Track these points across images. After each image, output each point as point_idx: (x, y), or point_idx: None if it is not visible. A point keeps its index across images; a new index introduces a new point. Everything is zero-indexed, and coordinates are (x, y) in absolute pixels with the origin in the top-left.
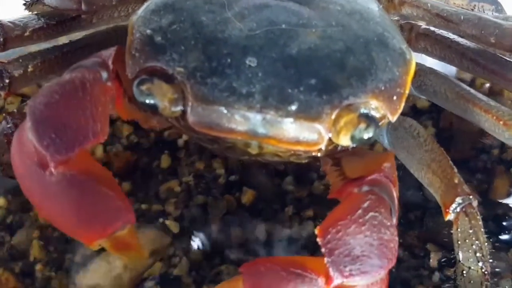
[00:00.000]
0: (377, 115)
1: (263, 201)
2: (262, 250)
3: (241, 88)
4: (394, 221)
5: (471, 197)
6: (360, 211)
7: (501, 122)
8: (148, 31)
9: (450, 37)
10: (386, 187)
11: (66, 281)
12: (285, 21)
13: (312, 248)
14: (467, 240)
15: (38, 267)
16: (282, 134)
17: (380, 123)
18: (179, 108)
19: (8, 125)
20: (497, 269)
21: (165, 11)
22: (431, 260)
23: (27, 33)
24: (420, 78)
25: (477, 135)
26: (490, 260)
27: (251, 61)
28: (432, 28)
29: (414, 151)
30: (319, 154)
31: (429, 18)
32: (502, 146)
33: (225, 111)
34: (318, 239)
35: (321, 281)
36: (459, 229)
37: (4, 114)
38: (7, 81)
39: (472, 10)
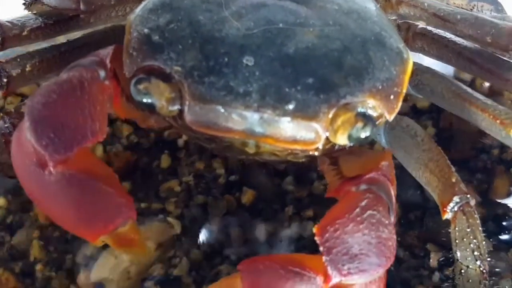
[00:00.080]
0: (374, 114)
1: (263, 201)
2: (262, 250)
3: (238, 87)
4: (392, 219)
5: (468, 196)
6: (358, 209)
7: (498, 121)
8: (146, 30)
9: (447, 36)
10: (383, 185)
11: (66, 281)
12: (282, 20)
13: (312, 248)
14: (465, 239)
15: (38, 267)
16: (280, 133)
17: (377, 122)
18: (176, 107)
19: (6, 125)
20: (497, 269)
21: (163, 10)
22: (431, 260)
23: (25, 33)
24: (417, 77)
25: (477, 135)
26: (489, 259)
27: (249, 60)
28: (429, 28)
29: (411, 151)
30: (316, 153)
31: (426, 17)
32: (502, 146)
33: (222, 110)
34: (316, 238)
35: (319, 279)
36: (456, 228)
37: (1, 114)
38: (5, 80)
39: (471, 10)
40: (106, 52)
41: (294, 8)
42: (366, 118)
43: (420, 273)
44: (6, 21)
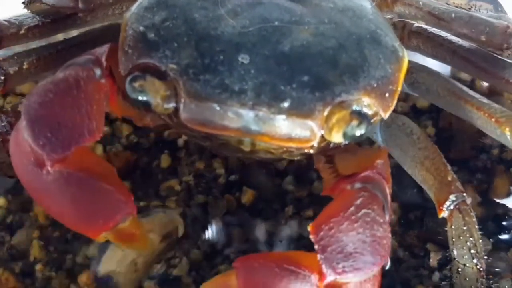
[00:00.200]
0: (369, 112)
1: (263, 201)
2: (262, 250)
3: (233, 85)
4: (387, 217)
5: (464, 194)
6: (352, 208)
7: (493, 119)
8: (141, 28)
9: (442, 35)
10: (379, 184)
11: (66, 281)
12: (277, 18)
13: (312, 248)
14: (461, 237)
15: (38, 267)
16: (275, 131)
17: (372, 120)
18: (171, 105)
19: (3, 124)
20: (497, 269)
21: (158, 8)
22: (431, 260)
23: (22, 31)
24: (412, 75)
25: (477, 135)
26: (488, 259)
27: (244, 58)
28: (424, 26)
29: (407, 149)
30: (311, 151)
31: (421, 16)
32: (502, 145)
33: (217, 108)
34: (311, 236)
35: (314, 278)
36: (453, 226)
37: None
38: (2, 78)
39: (470, 9)
40: (102, 51)
41: (289, 6)
42: (361, 116)
43: (420, 273)
44: (3, 20)
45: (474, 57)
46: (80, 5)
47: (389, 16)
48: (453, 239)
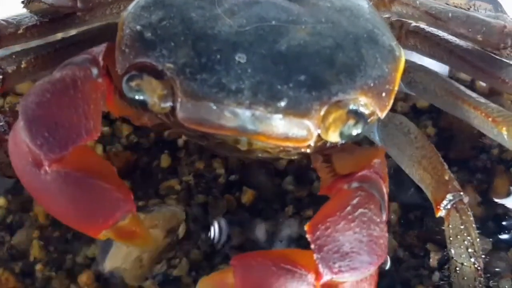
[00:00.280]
0: (366, 111)
1: (263, 201)
2: (262, 249)
3: (230, 84)
4: (384, 217)
5: (462, 193)
6: (349, 207)
7: (490, 119)
8: (138, 27)
9: (439, 34)
10: (376, 183)
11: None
12: (274, 17)
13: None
14: (458, 236)
15: (38, 267)
16: (271, 130)
17: (369, 120)
18: (168, 104)
19: (1, 124)
20: (497, 269)
21: (155, 7)
22: (431, 260)
23: (20, 31)
24: (410, 74)
25: (477, 135)
26: (488, 258)
27: (241, 57)
28: (421, 26)
29: (404, 148)
30: (308, 150)
31: (418, 15)
32: (502, 145)
33: (214, 107)
34: (307, 236)
35: (311, 277)
36: (450, 225)
37: None
38: (0, 77)
39: (469, 9)
40: (99, 50)
41: (286, 6)
42: (357, 116)
43: (420, 273)
44: (1, 20)
45: (471, 57)
46: (79, 4)
47: (387, 16)
48: (451, 238)
